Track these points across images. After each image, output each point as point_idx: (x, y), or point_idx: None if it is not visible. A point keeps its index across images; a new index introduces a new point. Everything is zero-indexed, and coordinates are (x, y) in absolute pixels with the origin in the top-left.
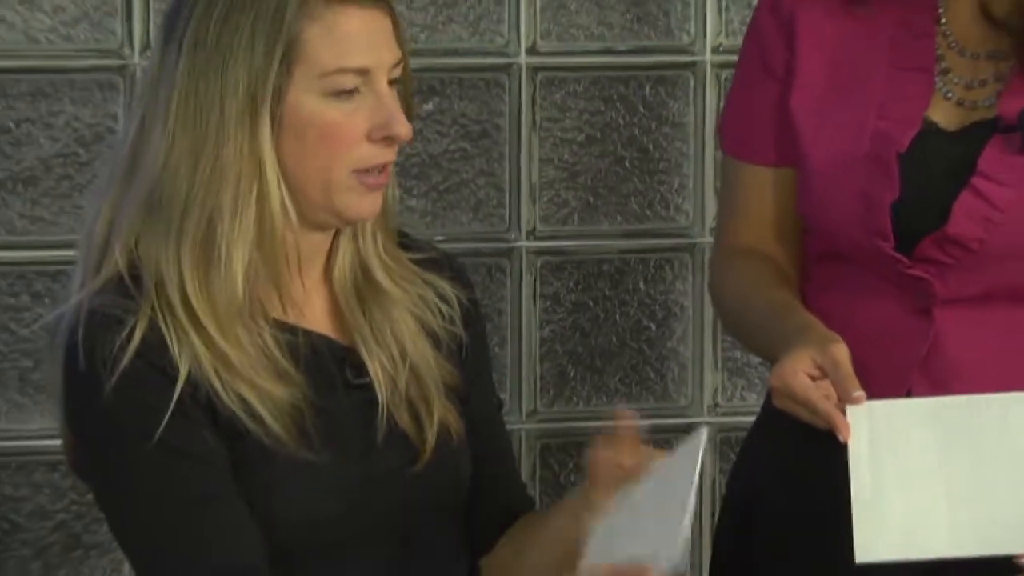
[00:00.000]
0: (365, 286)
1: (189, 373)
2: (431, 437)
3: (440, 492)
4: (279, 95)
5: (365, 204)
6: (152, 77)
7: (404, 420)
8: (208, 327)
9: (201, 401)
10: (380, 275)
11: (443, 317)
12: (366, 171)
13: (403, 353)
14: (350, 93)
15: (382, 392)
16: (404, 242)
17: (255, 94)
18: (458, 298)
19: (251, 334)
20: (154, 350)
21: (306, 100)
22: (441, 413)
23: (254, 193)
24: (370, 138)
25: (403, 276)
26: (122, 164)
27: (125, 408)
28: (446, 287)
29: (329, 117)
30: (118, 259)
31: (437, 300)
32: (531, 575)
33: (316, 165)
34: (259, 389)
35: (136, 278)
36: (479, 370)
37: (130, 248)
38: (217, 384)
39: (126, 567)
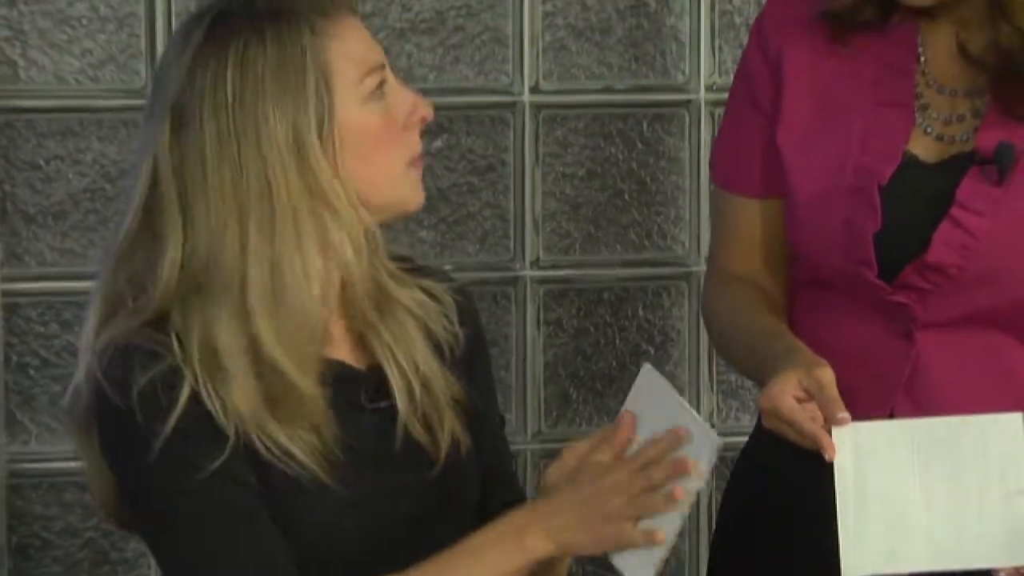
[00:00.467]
0: (380, 298)
1: (235, 430)
2: (445, 446)
3: (453, 502)
4: (325, 121)
5: (419, 193)
6: (162, 145)
7: (419, 431)
8: (285, 370)
9: (241, 449)
10: (389, 283)
11: (443, 319)
12: (413, 161)
13: (416, 366)
14: (379, 91)
15: (401, 402)
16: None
17: (298, 133)
18: (453, 299)
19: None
20: (201, 410)
21: (352, 113)
22: (451, 424)
23: (317, 231)
24: (406, 127)
25: (404, 283)
26: (134, 228)
27: (168, 464)
28: (437, 287)
29: (375, 120)
30: (151, 313)
31: (428, 299)
32: None
33: (380, 169)
34: (298, 430)
35: (174, 333)
36: (482, 378)
37: (163, 305)
38: (258, 435)
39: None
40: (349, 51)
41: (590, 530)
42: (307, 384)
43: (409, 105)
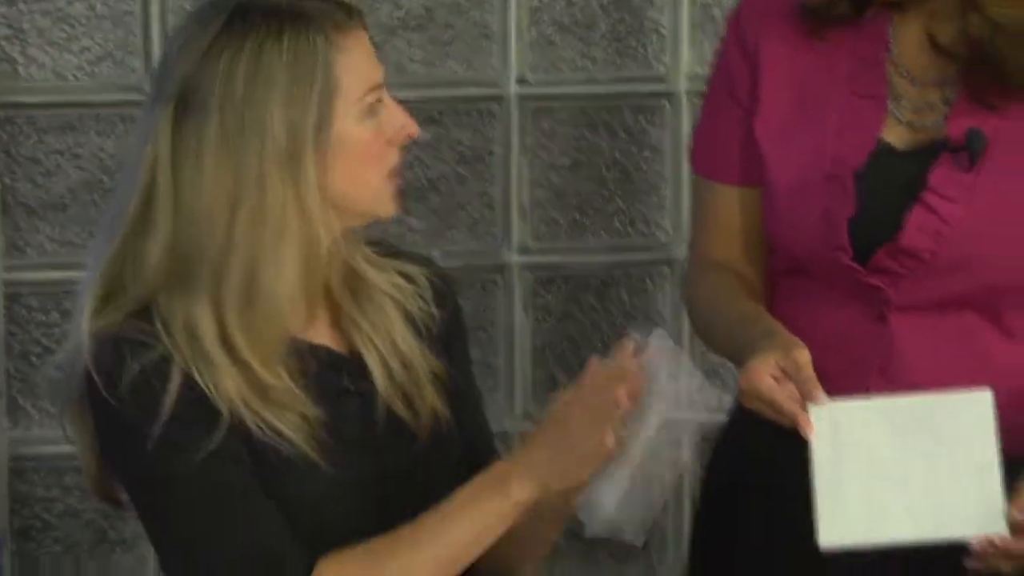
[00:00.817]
0: (355, 283)
1: (228, 410)
2: (426, 422)
3: (438, 476)
4: (322, 132)
5: (395, 201)
6: (163, 128)
7: (400, 408)
8: (252, 365)
9: (235, 428)
10: (364, 268)
11: (419, 300)
12: (391, 174)
13: (395, 344)
14: (375, 108)
15: (380, 383)
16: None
17: (297, 139)
18: (429, 280)
19: (286, 361)
20: (193, 394)
21: (348, 127)
22: (432, 400)
23: (297, 233)
24: (391, 143)
25: (378, 265)
26: (134, 208)
27: (166, 451)
28: (412, 269)
29: (367, 136)
30: (138, 301)
31: (404, 282)
32: (511, 544)
33: (363, 182)
34: (287, 412)
35: (160, 321)
36: (460, 357)
37: (149, 291)
38: (250, 416)
39: (151, 562)
40: (356, 66)
41: (563, 461)
42: (272, 377)
43: (399, 124)
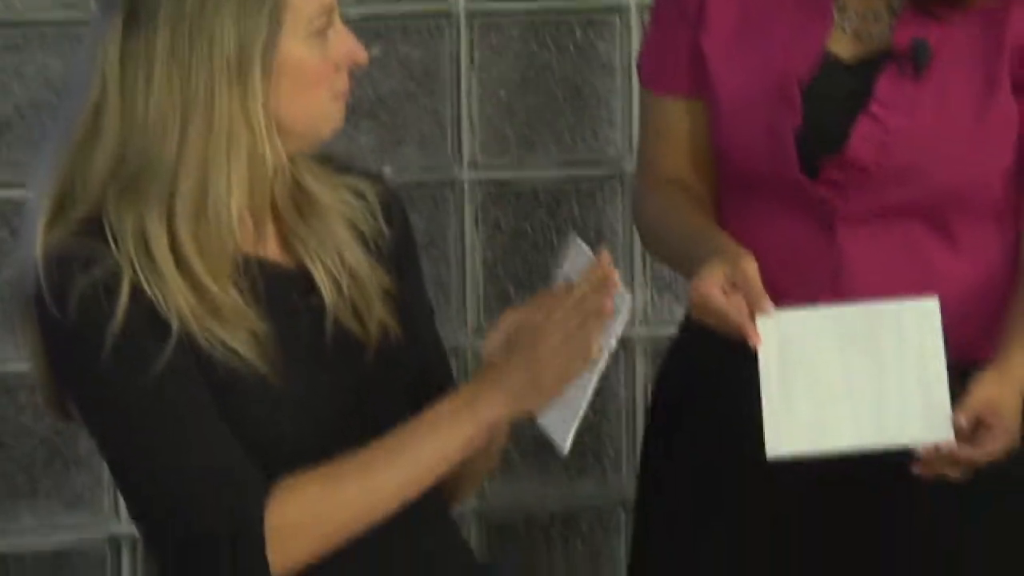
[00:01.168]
0: (302, 199)
1: (178, 323)
2: (375, 332)
3: (390, 396)
4: (269, 49)
5: (338, 121)
6: (111, 40)
7: (349, 323)
8: (202, 280)
9: (184, 342)
10: (311, 184)
11: (367, 216)
12: (337, 96)
13: (343, 259)
14: (324, 31)
15: (328, 296)
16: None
17: (245, 54)
18: (378, 195)
19: (235, 277)
20: (143, 308)
21: (295, 47)
22: (380, 314)
23: (245, 147)
24: (338, 68)
25: (326, 181)
26: (82, 121)
27: (118, 366)
28: (361, 185)
29: (315, 58)
30: (86, 214)
31: (353, 198)
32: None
33: (308, 103)
34: (237, 329)
35: (105, 231)
36: (411, 272)
37: (98, 203)
38: (200, 332)
39: (106, 478)
40: None
41: (538, 383)
42: (222, 292)
43: (348, 49)
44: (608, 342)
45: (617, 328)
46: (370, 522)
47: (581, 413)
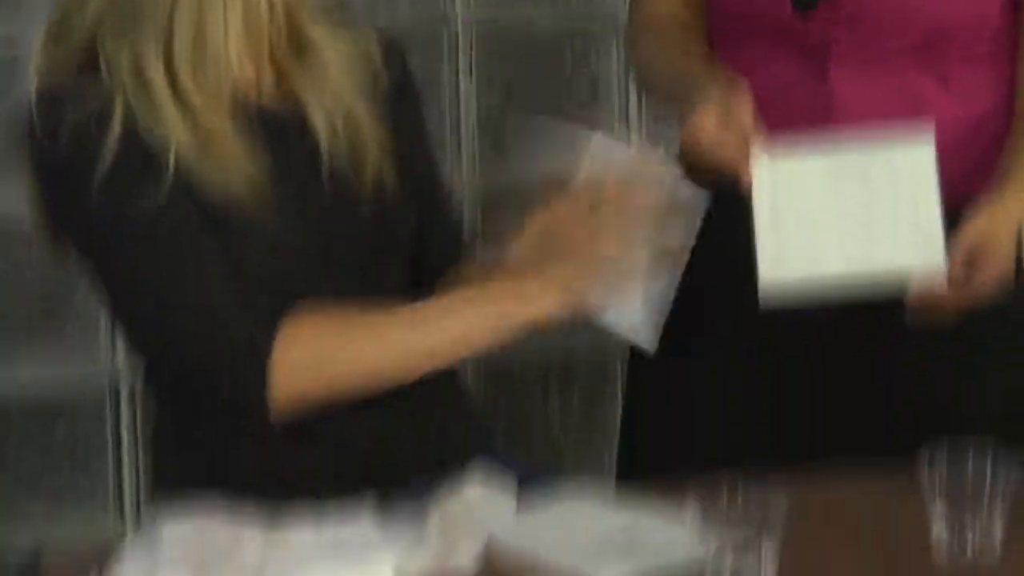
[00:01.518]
0: (302, 44)
1: (175, 155)
2: (370, 180)
3: (386, 243)
4: None
5: None
6: None
7: (344, 166)
8: (198, 108)
9: (179, 183)
10: (310, 29)
11: (366, 62)
12: None
13: (339, 102)
14: None
15: (325, 140)
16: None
17: None
18: (377, 43)
19: (231, 116)
20: (136, 142)
21: None
22: (377, 164)
23: None
24: None
25: (327, 28)
26: None
27: (110, 197)
28: (360, 31)
29: None
30: (82, 47)
31: (351, 44)
32: None
33: None
34: (230, 167)
35: (100, 66)
36: (411, 122)
37: (93, 38)
38: (194, 168)
39: (102, 335)
40: None
41: (591, 273)
42: (218, 120)
43: None
44: (687, 238)
45: (695, 222)
46: (378, 381)
47: (663, 308)
